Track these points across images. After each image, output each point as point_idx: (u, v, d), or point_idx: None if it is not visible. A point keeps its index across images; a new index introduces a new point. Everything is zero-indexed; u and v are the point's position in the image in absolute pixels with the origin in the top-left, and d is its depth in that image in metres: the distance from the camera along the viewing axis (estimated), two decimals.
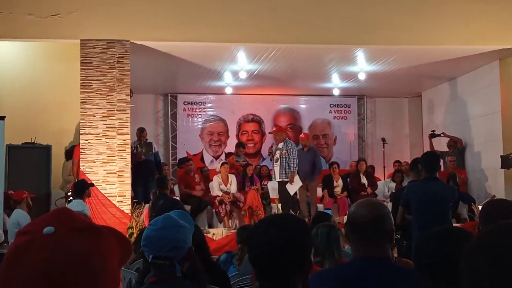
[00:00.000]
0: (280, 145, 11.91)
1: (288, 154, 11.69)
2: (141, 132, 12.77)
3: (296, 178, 11.66)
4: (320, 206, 13.11)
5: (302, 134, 13.19)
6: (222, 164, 12.74)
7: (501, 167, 12.14)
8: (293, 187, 11.68)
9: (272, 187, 13.03)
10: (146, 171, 12.07)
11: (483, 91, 13.43)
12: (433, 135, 14.24)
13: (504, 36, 11.35)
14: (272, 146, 12.28)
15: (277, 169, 11.82)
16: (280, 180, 11.71)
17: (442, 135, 14.19)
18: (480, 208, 5.93)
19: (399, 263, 4.13)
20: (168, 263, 2.77)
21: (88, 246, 1.23)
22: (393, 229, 2.75)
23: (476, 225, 6.35)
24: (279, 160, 11.73)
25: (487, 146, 13.25)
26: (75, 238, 1.23)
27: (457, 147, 14.07)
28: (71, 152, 11.52)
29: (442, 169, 13.40)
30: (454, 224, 6.53)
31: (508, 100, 12.54)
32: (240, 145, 15.08)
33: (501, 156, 12.12)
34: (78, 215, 1.31)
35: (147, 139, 12.97)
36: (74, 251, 1.21)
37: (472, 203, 11.25)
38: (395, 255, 5.57)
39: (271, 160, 12.29)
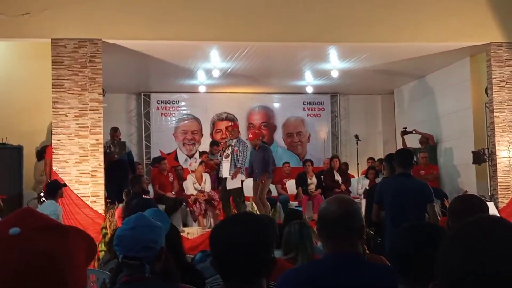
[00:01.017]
0: (233, 141, 11.94)
1: (238, 151, 11.75)
2: (114, 131, 12.69)
3: (239, 176, 11.73)
4: (294, 204, 13.17)
5: (250, 134, 13.10)
6: (200, 163, 12.72)
7: (473, 163, 12.30)
8: (233, 183, 11.72)
9: (246, 186, 13.03)
10: (119, 170, 11.99)
11: (455, 88, 13.57)
12: (405, 132, 14.36)
13: (475, 33, 11.47)
14: (225, 141, 12.18)
15: (226, 165, 11.78)
16: (228, 176, 11.75)
17: (413, 132, 14.31)
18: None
19: (371, 259, 4.15)
20: (138, 263, 2.76)
21: (55, 244, 1.23)
22: (363, 225, 2.78)
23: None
24: (229, 156, 11.75)
25: (459, 142, 13.39)
26: (41, 237, 1.23)
27: (429, 143, 14.21)
28: (43, 153, 11.41)
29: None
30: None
31: (478, 96, 12.67)
32: (214, 143, 15.06)
33: (473, 152, 12.27)
34: (42, 215, 1.31)
35: (120, 139, 12.89)
36: (41, 250, 1.21)
37: (445, 199, 11.38)
38: (367, 251, 5.61)
39: (220, 156, 12.17)
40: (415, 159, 8.36)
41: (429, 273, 2.21)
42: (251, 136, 12.58)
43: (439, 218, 7.03)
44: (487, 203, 4.29)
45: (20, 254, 1.19)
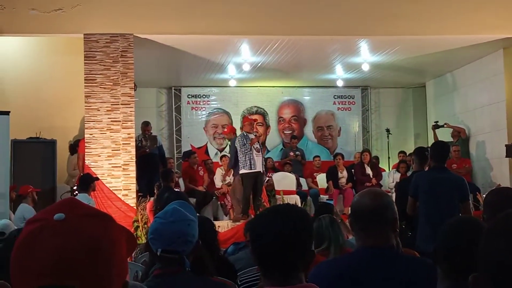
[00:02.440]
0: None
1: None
2: (145, 125, 12.77)
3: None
4: (325, 197, 13.15)
5: (225, 128, 12.85)
6: (223, 156, 12.71)
7: (506, 156, 12.14)
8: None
9: (276, 178, 13.06)
10: (150, 164, 12.07)
11: (488, 81, 13.41)
12: (436, 126, 14.23)
13: (508, 25, 11.31)
14: (256, 136, 11.90)
15: (258, 159, 11.47)
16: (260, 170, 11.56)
17: (445, 125, 14.17)
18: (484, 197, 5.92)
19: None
20: (178, 257, 2.78)
21: (99, 231, 1.22)
22: (397, 218, 2.77)
23: (480, 214, 6.34)
24: (260, 151, 11.58)
25: (492, 136, 13.23)
26: (86, 223, 1.22)
27: (461, 137, 14.07)
28: (76, 146, 11.55)
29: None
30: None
31: None
32: None
33: (506, 145, 12.12)
34: (85, 204, 1.31)
35: (151, 133, 12.98)
36: (85, 235, 1.20)
37: (477, 193, 11.24)
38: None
39: (249, 150, 11.67)
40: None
41: (470, 268, 2.20)
42: (226, 130, 12.42)
43: (472, 214, 6.93)
44: None
45: (65, 239, 1.19)
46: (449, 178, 6.52)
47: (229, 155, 11.68)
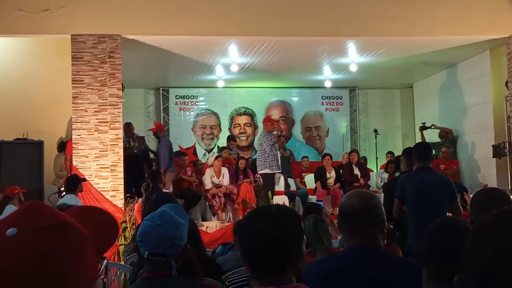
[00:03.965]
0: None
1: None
2: (127, 126, 12.66)
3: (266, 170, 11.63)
4: (313, 198, 13.16)
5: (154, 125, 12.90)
6: (216, 157, 12.72)
7: (493, 157, 12.22)
8: None
9: None
10: (135, 165, 12.01)
11: (475, 81, 13.48)
12: (423, 127, 14.31)
13: (495, 27, 11.37)
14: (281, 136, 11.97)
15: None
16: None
17: (432, 127, 14.24)
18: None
19: (388, 249, 4.15)
20: (164, 260, 2.77)
21: (53, 245, 1.20)
22: (384, 219, 2.78)
23: (468, 214, 6.35)
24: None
25: (479, 136, 13.31)
26: (38, 238, 1.20)
27: (448, 137, 14.14)
28: (64, 145, 11.50)
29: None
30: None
31: (499, 90, 12.58)
32: (231, 138, 15.12)
33: (493, 146, 12.19)
34: (48, 211, 1.28)
35: (134, 133, 12.92)
36: (36, 253, 1.18)
37: (465, 193, 11.28)
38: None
39: (277, 150, 11.73)
40: (433, 152, 8.31)
41: (455, 269, 2.21)
42: (153, 127, 12.43)
43: (462, 214, 6.96)
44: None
45: (14, 256, 1.17)
46: (435, 179, 6.53)
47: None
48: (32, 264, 1.17)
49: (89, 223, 1.37)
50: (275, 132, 11.48)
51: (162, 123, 12.19)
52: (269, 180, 11.39)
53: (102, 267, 1.43)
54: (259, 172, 11.67)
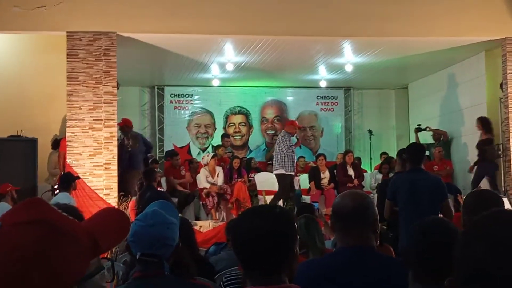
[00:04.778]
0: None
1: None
2: (127, 124, 12.58)
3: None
4: (307, 198, 13.16)
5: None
6: (212, 156, 12.71)
7: None
8: None
9: (259, 179, 13.05)
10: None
11: (469, 83, 13.50)
12: (418, 129, 14.34)
13: (490, 28, 11.39)
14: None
15: None
16: None
17: (427, 129, 14.27)
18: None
19: (381, 250, 4.15)
20: (156, 260, 2.76)
21: (35, 239, 1.23)
22: (377, 219, 2.79)
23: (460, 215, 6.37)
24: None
25: (473, 138, 13.32)
26: (19, 232, 1.24)
27: (442, 140, 14.17)
28: (58, 142, 11.47)
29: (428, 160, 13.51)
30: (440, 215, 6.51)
31: (493, 91, 12.60)
32: (225, 135, 15.15)
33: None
34: (39, 207, 1.31)
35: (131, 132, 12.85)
36: (14, 245, 1.21)
37: (458, 194, 11.31)
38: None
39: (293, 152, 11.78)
40: (427, 153, 8.35)
41: (440, 271, 2.22)
42: (121, 122, 12.38)
43: (453, 214, 6.98)
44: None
45: None
46: (426, 179, 6.56)
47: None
48: (8, 258, 1.20)
49: (101, 221, 1.40)
50: (293, 137, 11.59)
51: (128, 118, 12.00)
52: (284, 180, 11.40)
53: (105, 269, 1.44)
54: (274, 172, 11.70)
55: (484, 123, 12.26)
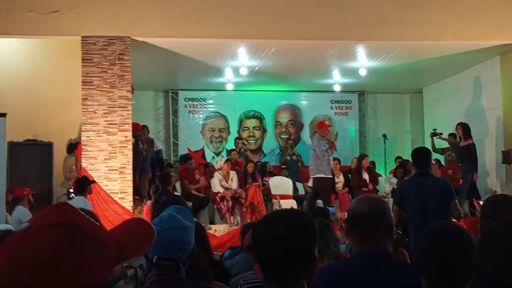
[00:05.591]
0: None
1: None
2: (142, 128, 12.66)
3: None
4: (321, 202, 13.11)
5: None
6: (226, 161, 12.71)
7: (502, 163, 12.16)
8: None
9: (273, 183, 13.03)
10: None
11: (484, 87, 13.43)
12: (434, 134, 14.22)
13: (505, 32, 11.34)
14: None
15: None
16: None
17: (439, 137, 14.03)
18: (481, 204, 5.89)
19: (396, 255, 4.13)
20: (173, 264, 2.77)
21: (59, 240, 1.25)
22: (393, 224, 2.77)
23: (477, 220, 6.32)
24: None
25: (488, 142, 13.25)
26: (44, 233, 1.26)
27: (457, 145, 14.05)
28: (74, 146, 11.52)
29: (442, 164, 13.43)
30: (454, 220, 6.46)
31: (509, 95, 12.54)
32: (238, 138, 15.21)
33: (502, 152, 12.13)
34: (67, 211, 1.33)
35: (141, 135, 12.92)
36: (40, 246, 1.23)
37: (473, 198, 11.24)
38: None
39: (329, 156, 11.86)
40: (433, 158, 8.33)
41: (452, 276, 2.21)
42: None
43: (462, 214, 6.92)
44: None
45: (18, 250, 1.23)
46: (433, 183, 6.52)
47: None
48: (33, 257, 1.22)
49: (127, 230, 1.44)
50: (326, 140, 11.67)
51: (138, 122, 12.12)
52: (322, 184, 11.46)
53: (128, 276, 1.46)
54: (312, 177, 11.76)
55: (465, 129, 12.26)
